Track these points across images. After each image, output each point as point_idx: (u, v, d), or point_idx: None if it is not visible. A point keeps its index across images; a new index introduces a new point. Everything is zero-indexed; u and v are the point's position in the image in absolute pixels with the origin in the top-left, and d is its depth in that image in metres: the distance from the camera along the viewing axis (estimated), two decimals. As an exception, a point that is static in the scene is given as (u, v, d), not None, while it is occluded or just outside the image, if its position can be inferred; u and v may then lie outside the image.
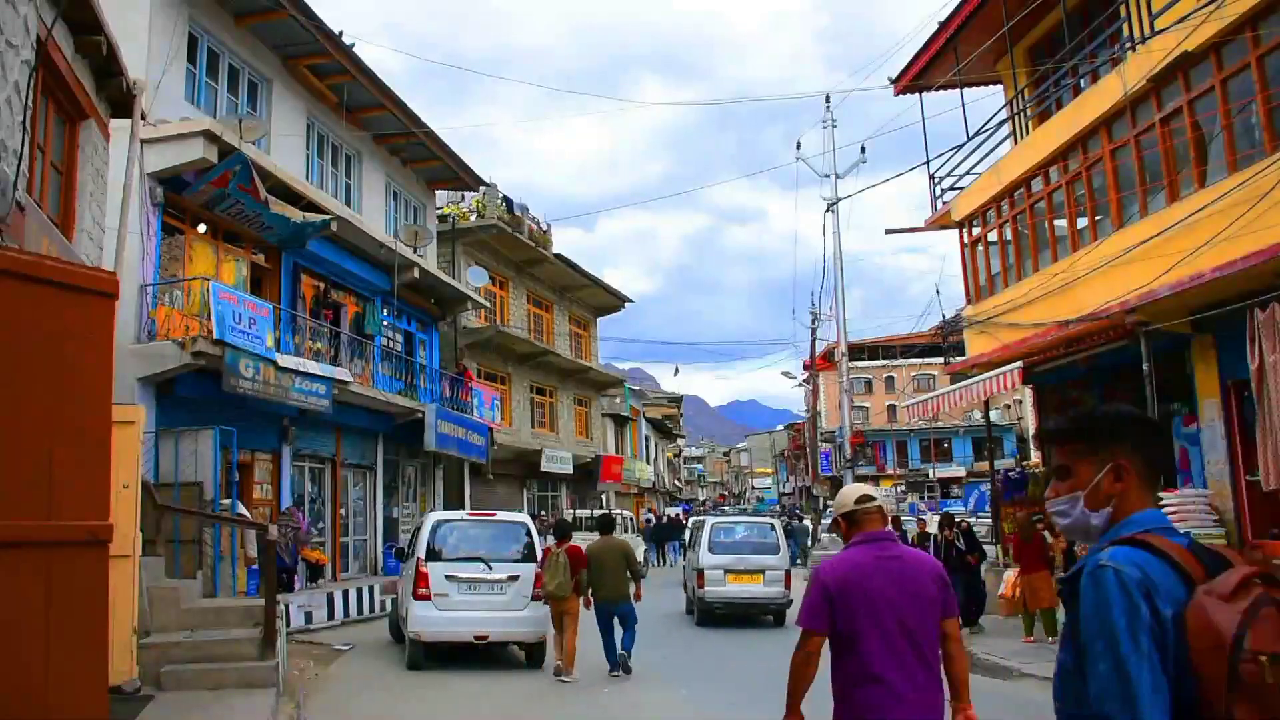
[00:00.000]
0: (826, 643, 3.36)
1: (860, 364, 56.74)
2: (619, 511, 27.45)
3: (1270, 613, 1.58)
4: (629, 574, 10.67)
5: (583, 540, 11.86)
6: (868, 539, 3.39)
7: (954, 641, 3.42)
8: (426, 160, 22.33)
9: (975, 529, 16.29)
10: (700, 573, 15.29)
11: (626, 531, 22.79)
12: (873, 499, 3.47)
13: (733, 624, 15.14)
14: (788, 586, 15.23)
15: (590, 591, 10.52)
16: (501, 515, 12.67)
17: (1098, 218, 14.17)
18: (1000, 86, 17.75)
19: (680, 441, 71.98)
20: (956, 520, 15.40)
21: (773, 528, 16.83)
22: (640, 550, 24.23)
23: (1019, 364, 14.89)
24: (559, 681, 10.16)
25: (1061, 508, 1.97)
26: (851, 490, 3.57)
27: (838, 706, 3.32)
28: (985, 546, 15.58)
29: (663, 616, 16.13)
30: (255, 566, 12.41)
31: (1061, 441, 2.00)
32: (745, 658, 12.22)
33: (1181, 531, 1.83)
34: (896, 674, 3.19)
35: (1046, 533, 13.32)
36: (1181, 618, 1.62)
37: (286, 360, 13.86)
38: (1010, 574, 12.81)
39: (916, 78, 18.09)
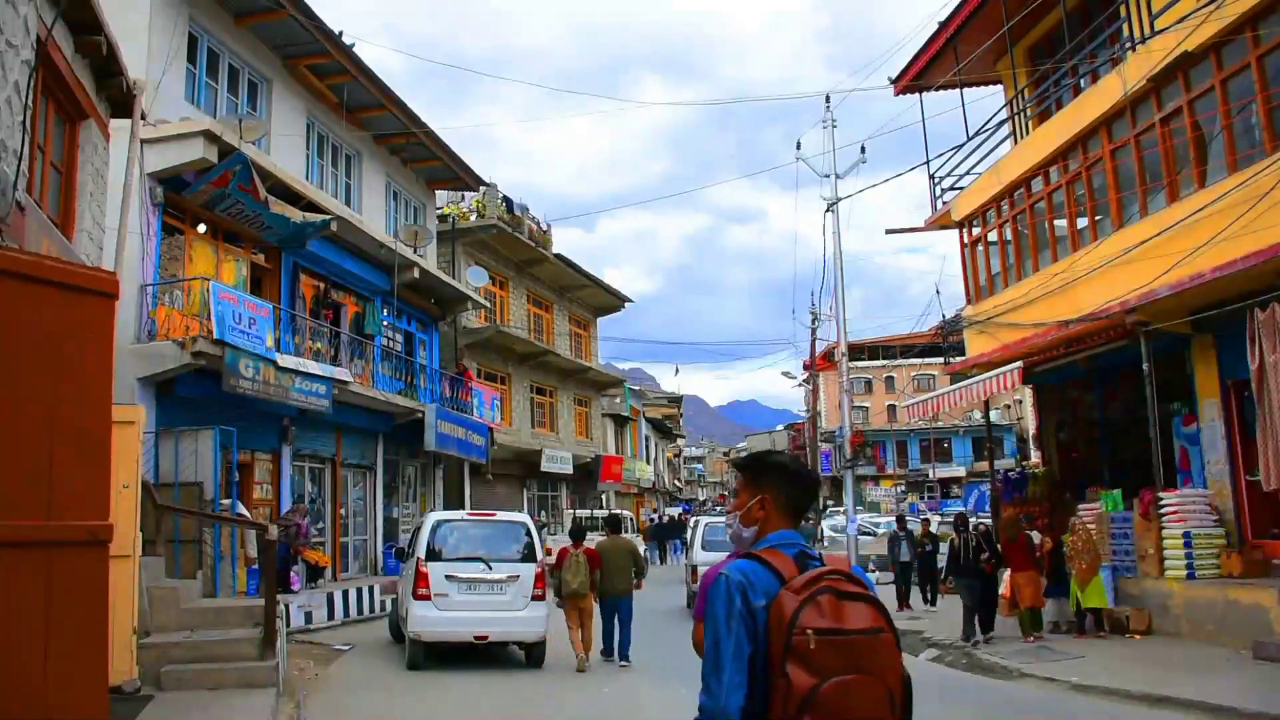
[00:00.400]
0: None
1: (860, 364, 56.71)
2: (618, 512, 27.46)
3: (825, 599, 2.14)
4: (634, 571, 11.43)
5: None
6: None
7: None
8: (426, 160, 22.33)
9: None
10: (694, 569, 16.05)
11: (627, 532, 22.84)
12: None
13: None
14: None
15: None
16: (501, 515, 12.68)
17: (1097, 218, 14.16)
18: (1000, 86, 17.75)
19: (680, 441, 72.02)
20: (976, 524, 15.17)
21: None
22: (641, 549, 24.29)
23: (1019, 364, 14.90)
24: (580, 672, 10.65)
25: (727, 520, 2.64)
26: None
27: None
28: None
29: (663, 613, 16.30)
30: (255, 566, 12.41)
31: (739, 471, 2.66)
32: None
33: (809, 544, 2.45)
34: None
35: (1035, 533, 13.28)
36: (768, 606, 2.18)
37: (286, 360, 13.87)
38: (1008, 573, 12.80)
39: (916, 78, 18.09)
